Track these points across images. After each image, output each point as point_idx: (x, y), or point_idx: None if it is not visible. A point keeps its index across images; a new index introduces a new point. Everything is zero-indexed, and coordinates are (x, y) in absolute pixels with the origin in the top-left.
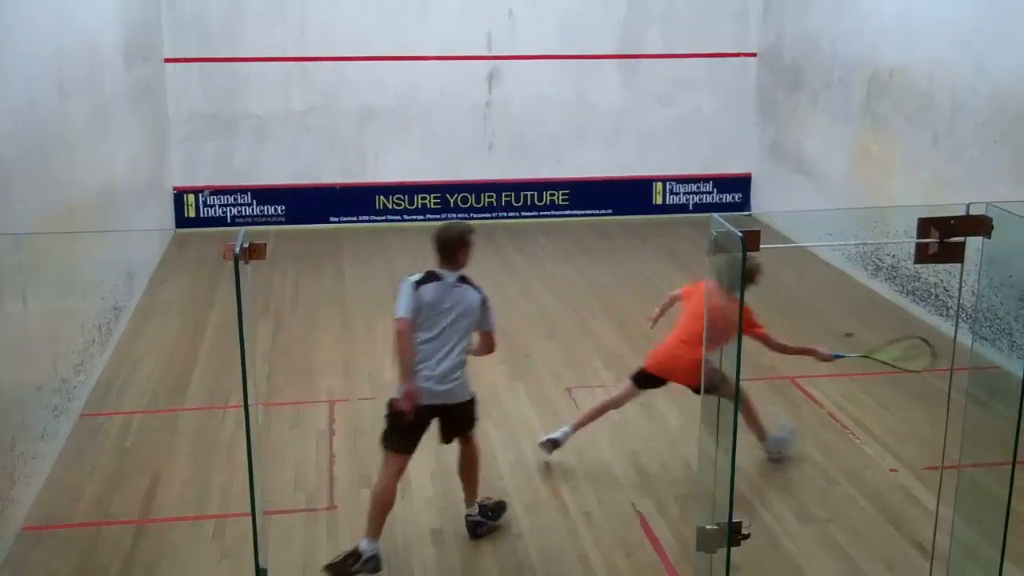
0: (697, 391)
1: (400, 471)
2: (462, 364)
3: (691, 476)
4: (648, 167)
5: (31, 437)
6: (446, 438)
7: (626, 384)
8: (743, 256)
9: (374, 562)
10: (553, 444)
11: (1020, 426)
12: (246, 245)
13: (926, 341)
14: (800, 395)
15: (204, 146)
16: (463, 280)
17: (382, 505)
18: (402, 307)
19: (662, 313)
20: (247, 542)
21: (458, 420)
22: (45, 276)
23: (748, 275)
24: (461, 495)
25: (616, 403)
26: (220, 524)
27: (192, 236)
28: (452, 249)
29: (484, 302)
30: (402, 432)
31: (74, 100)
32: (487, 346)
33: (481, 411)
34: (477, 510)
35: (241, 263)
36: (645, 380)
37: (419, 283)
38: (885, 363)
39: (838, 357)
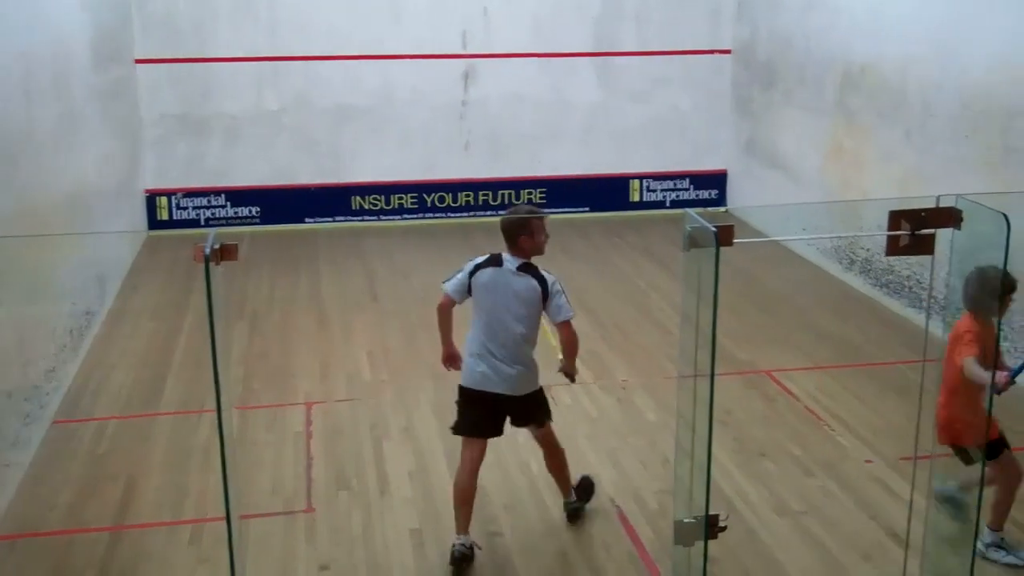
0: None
1: (472, 458)
2: (521, 356)
3: (669, 471)
4: (625, 164)
5: (2, 445)
6: (515, 424)
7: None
8: (716, 251)
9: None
10: None
11: (990, 416)
12: (217, 246)
13: None
14: (776, 388)
15: (176, 147)
16: (526, 268)
17: (458, 499)
18: (450, 283)
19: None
20: (224, 547)
21: (518, 412)
22: (15, 281)
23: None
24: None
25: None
26: (197, 529)
27: (165, 238)
28: (513, 235)
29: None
30: (464, 417)
31: (42, 102)
32: (562, 339)
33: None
34: (573, 497)
35: (212, 264)
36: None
37: (478, 267)
38: None
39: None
